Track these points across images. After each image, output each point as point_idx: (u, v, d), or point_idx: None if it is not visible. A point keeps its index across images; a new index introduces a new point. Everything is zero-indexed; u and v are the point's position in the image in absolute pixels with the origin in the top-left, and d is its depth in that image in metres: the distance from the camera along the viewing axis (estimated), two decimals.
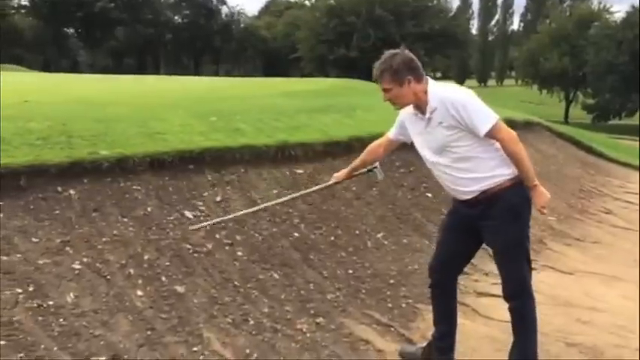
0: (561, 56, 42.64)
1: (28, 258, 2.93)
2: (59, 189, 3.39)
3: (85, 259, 3.08)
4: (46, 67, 40.85)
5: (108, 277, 3.05)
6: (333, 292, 3.68)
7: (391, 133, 3.05)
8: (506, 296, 2.82)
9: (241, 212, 3.62)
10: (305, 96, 8.30)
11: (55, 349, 2.58)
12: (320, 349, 3.11)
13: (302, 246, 4.01)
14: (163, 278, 3.22)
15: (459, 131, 2.62)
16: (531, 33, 54.09)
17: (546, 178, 6.67)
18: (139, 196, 3.67)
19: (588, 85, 42.71)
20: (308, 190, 3.67)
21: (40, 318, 2.68)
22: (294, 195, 3.66)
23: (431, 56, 41.48)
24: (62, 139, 3.85)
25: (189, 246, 3.52)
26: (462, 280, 3.60)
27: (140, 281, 3.13)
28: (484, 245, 2.92)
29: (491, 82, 77.55)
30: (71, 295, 2.86)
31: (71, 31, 53.03)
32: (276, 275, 3.65)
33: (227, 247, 3.67)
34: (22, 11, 50.91)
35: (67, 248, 3.09)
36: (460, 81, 62.94)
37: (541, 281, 4.07)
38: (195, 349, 2.87)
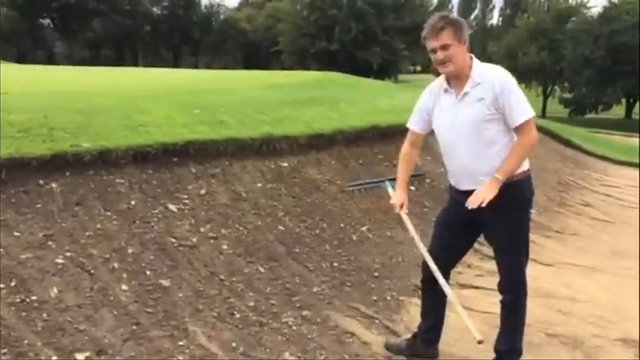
0: (539, 51, 43.00)
1: (10, 252, 2.87)
2: (41, 182, 3.33)
3: (68, 254, 3.03)
4: (22, 59, 39.94)
5: (92, 271, 3.02)
6: (319, 285, 3.70)
7: (416, 128, 2.93)
8: (503, 290, 2.84)
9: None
10: (288, 89, 8.26)
11: (39, 344, 2.54)
12: (306, 342, 3.12)
13: (287, 239, 4.01)
14: (148, 272, 3.19)
15: (496, 113, 2.59)
16: (510, 27, 54.56)
17: None
18: (123, 190, 3.63)
19: (565, 80, 43.24)
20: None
21: (23, 313, 2.64)
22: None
23: (411, 50, 41.61)
24: (43, 132, 3.77)
25: (173, 240, 3.50)
26: None
27: (124, 275, 3.10)
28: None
29: None
30: (55, 289, 2.82)
31: (47, 21, 52.02)
32: (261, 269, 3.64)
33: (212, 241, 3.66)
34: None
35: (50, 242, 3.05)
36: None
37: None
38: (180, 343, 2.85)
